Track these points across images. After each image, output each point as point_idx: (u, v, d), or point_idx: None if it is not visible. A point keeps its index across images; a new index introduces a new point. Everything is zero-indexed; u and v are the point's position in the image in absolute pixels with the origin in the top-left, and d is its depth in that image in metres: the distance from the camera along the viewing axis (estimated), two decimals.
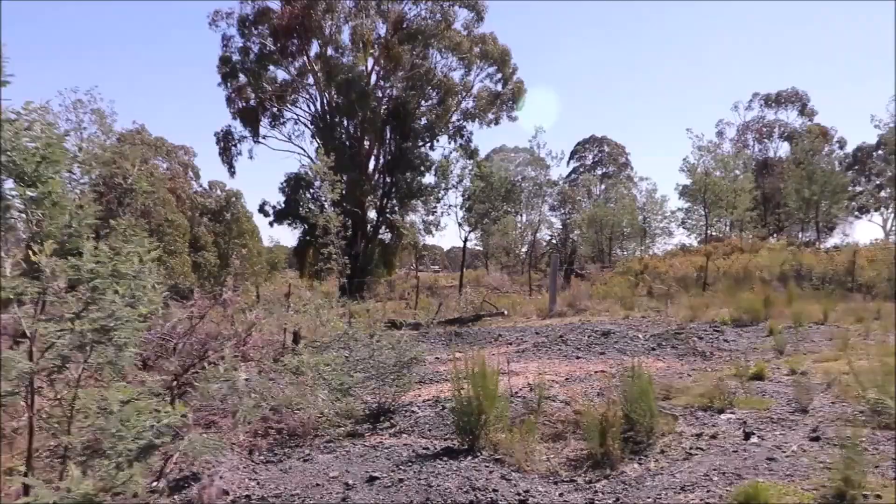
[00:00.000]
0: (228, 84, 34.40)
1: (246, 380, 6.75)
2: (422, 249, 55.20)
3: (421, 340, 13.99)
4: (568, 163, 69.91)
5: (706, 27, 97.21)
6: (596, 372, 8.91)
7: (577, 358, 10.26)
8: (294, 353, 8.28)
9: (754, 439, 5.22)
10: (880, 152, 45.09)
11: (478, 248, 58.82)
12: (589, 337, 12.40)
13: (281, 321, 10.94)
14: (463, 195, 37.01)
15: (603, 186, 63.55)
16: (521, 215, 51.76)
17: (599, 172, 68.93)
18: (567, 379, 8.56)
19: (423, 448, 5.61)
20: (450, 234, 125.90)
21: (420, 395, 8.21)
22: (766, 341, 10.64)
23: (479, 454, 5.33)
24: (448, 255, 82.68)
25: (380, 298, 30.11)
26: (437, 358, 11.78)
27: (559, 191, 57.43)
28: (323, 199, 36.44)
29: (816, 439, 5.11)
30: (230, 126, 35.49)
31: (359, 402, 7.15)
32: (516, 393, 7.42)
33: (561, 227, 57.27)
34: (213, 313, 7.61)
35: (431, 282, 39.89)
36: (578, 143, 70.23)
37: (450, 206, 36.56)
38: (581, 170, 69.84)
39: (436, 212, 37.25)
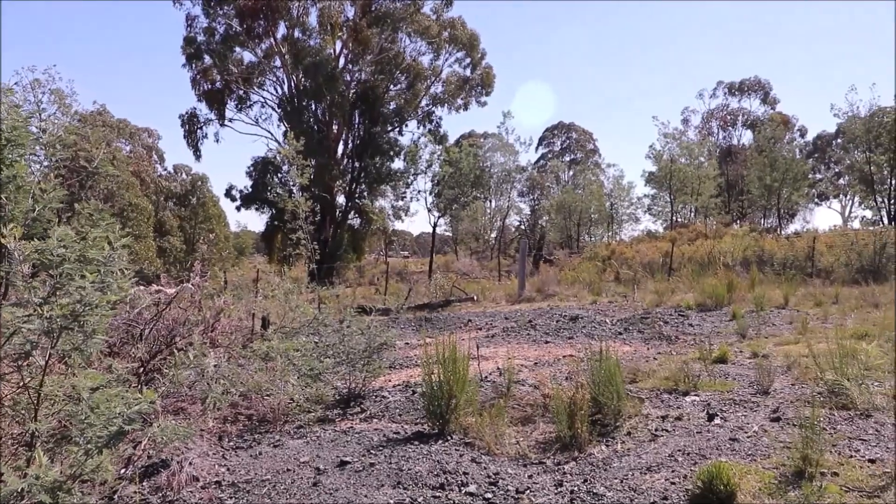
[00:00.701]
0: (193, 65, 33.71)
1: (215, 366, 6.71)
2: (391, 235, 55.10)
3: (391, 326, 14.02)
4: (536, 149, 70.28)
5: (673, 16, 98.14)
6: (564, 356, 9.03)
7: (546, 342, 10.38)
8: (263, 338, 8.25)
9: (717, 420, 5.36)
10: (839, 141, 46.14)
11: (447, 233, 58.93)
12: (557, 322, 12.55)
13: (250, 307, 10.87)
14: (432, 181, 37.01)
15: (571, 173, 64.02)
16: (490, 201, 51.96)
17: (567, 159, 69.41)
18: (536, 363, 8.67)
19: (394, 433, 5.64)
20: (419, 220, 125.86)
21: (390, 380, 8.24)
22: (729, 325, 10.90)
23: (449, 438, 5.38)
24: (417, 240, 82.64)
25: (349, 284, 30.03)
26: (407, 343, 11.81)
27: (528, 177, 57.80)
28: (291, 183, 36.18)
29: (777, 420, 5.27)
30: (195, 108, 34.88)
31: (329, 388, 7.15)
32: (486, 377, 7.49)
33: (530, 212, 57.63)
34: (181, 299, 7.52)
35: (401, 267, 39.87)
36: (547, 130, 70.69)
37: (419, 191, 36.52)
38: (549, 156, 70.25)
39: (405, 197, 37.22)
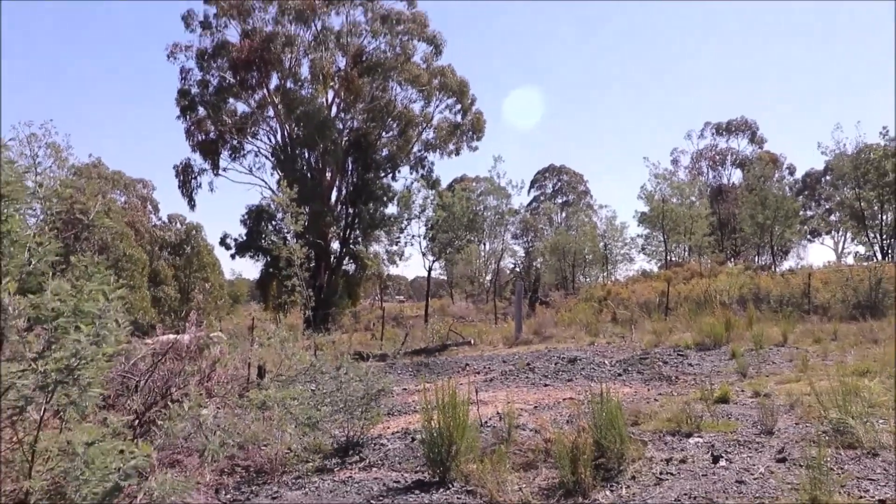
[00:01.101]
0: (187, 117, 34.13)
1: (214, 417, 6.59)
2: (386, 280, 54.99)
3: (388, 371, 13.89)
4: (529, 191, 70.90)
5: (659, 57, 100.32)
6: (564, 399, 8.93)
7: (545, 385, 10.28)
8: (259, 387, 8.14)
9: (723, 462, 5.28)
10: (828, 178, 46.74)
11: (442, 277, 58.91)
12: (556, 364, 12.44)
13: (245, 355, 10.74)
14: (426, 225, 37.16)
15: (564, 214, 64.48)
16: (484, 244, 52.10)
17: (560, 201, 69.99)
18: (536, 407, 8.57)
19: (394, 482, 5.53)
20: (413, 264, 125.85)
21: (389, 427, 8.12)
22: (728, 364, 10.83)
23: (450, 486, 5.27)
24: (412, 284, 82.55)
25: (345, 330, 29.84)
26: (405, 389, 11.68)
27: (521, 219, 58.16)
28: (286, 231, 36.25)
29: (783, 460, 5.19)
30: (189, 159, 35.22)
31: (327, 437, 7.04)
32: (486, 422, 7.39)
33: (524, 255, 57.79)
34: (177, 349, 7.44)
35: (397, 312, 39.70)
36: (538, 172, 71.44)
37: (413, 236, 36.63)
38: (542, 198, 70.85)
39: (399, 242, 37.32)
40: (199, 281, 50.24)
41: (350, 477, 5.89)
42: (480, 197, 47.88)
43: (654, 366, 11.02)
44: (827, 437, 5.66)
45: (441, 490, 5.22)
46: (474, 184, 56.70)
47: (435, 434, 5.44)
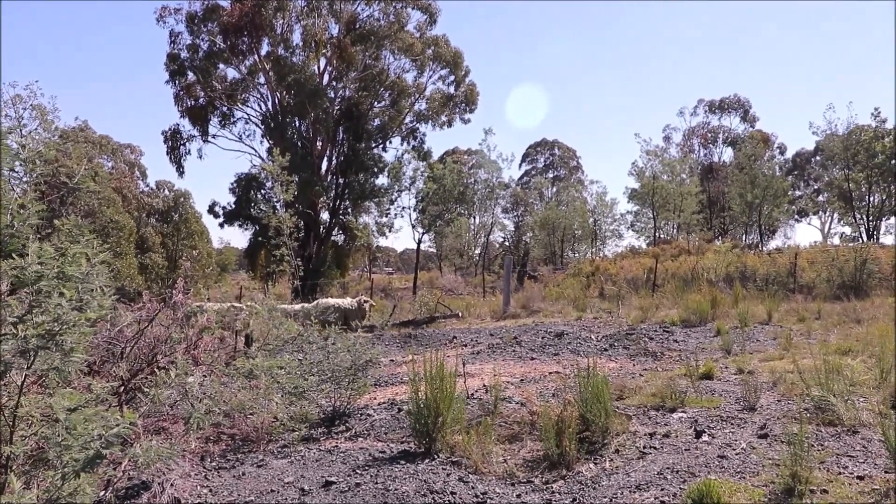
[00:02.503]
0: (177, 82, 33.55)
1: (200, 385, 6.59)
2: (375, 251, 54.91)
3: (375, 343, 13.92)
4: (520, 166, 70.72)
5: (655, 34, 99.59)
6: (550, 373, 8.99)
7: (532, 359, 10.34)
8: (246, 356, 8.14)
9: (705, 437, 5.34)
10: (818, 158, 46.88)
11: (431, 250, 58.86)
12: (543, 338, 12.51)
13: (232, 324, 10.72)
14: (416, 197, 37.00)
15: (555, 189, 64.40)
16: (474, 217, 52.03)
17: (551, 175, 69.82)
18: (522, 380, 8.62)
19: (380, 451, 5.56)
20: (403, 236, 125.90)
21: (376, 398, 8.16)
22: (713, 341, 10.93)
23: (436, 457, 5.31)
24: (401, 256, 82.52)
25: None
26: (392, 360, 11.71)
27: (512, 193, 58.07)
28: (276, 199, 36.02)
29: (765, 436, 5.26)
30: (178, 125, 34.67)
31: (314, 406, 7.06)
32: (472, 395, 7.44)
33: (514, 229, 57.80)
34: (163, 316, 7.40)
35: (385, 283, 39.67)
36: (530, 147, 71.14)
37: (403, 207, 36.50)
38: (533, 172, 70.65)
39: (389, 213, 37.17)
40: (186, 249, 49.99)
41: (336, 446, 5.92)
42: (472, 170, 47.76)
43: (639, 341, 11.11)
44: (808, 414, 5.73)
45: (427, 461, 5.25)
46: (466, 156, 56.47)
47: (421, 405, 5.46)
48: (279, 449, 5.96)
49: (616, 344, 11.20)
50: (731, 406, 6.33)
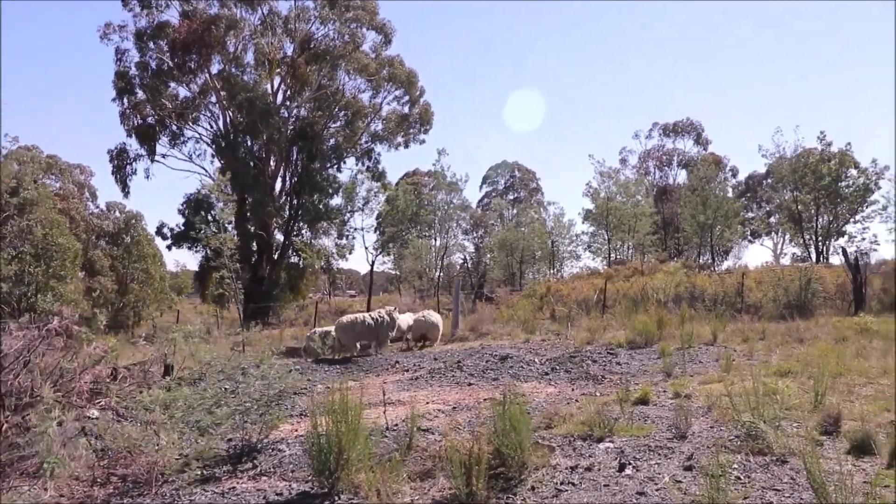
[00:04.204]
0: (124, 100, 32.67)
1: (88, 418, 5.99)
2: (337, 274, 54.01)
3: (314, 369, 13.36)
4: (480, 187, 70.80)
5: (611, 57, 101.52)
6: (485, 399, 8.57)
7: (469, 385, 9.92)
8: (162, 387, 7.56)
9: (629, 470, 4.98)
10: (769, 181, 47.83)
11: (394, 272, 58.19)
12: (486, 362, 12.11)
13: (162, 351, 10.10)
14: (376, 218, 36.52)
15: (515, 211, 64.51)
16: (434, 239, 51.69)
17: (511, 197, 69.99)
18: (454, 408, 8.20)
19: (277, 494, 5.07)
20: (363, 259, 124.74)
21: (297, 430, 7.64)
22: (657, 363, 10.66)
23: (338, 498, 4.84)
24: (364, 279, 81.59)
25: (284, 325, 29.05)
26: (328, 388, 11.13)
27: (471, 215, 57.92)
28: (226, 220, 35.14)
29: (690, 468, 4.93)
30: (125, 143, 33.68)
31: (221, 441, 6.53)
32: (394, 426, 6.96)
33: (474, 250, 57.54)
34: (58, 343, 6.81)
35: (346, 306, 38.91)
36: (491, 168, 71.28)
37: (356, 229, 35.94)
38: (493, 194, 70.74)
39: (348, 235, 36.54)
40: (137, 272, 48.47)
41: (233, 487, 5.40)
42: (433, 191, 47.47)
43: (582, 364, 10.80)
44: (739, 442, 5.43)
45: (327, 503, 4.78)
46: (426, 178, 56.22)
47: (322, 441, 4.98)
48: (172, 492, 5.41)
49: (559, 367, 10.85)
50: (662, 434, 6.00)
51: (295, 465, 5.92)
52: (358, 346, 15.15)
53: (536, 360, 11.95)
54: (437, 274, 50.44)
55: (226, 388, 7.17)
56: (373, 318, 15.35)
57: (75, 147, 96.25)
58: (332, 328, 15.70)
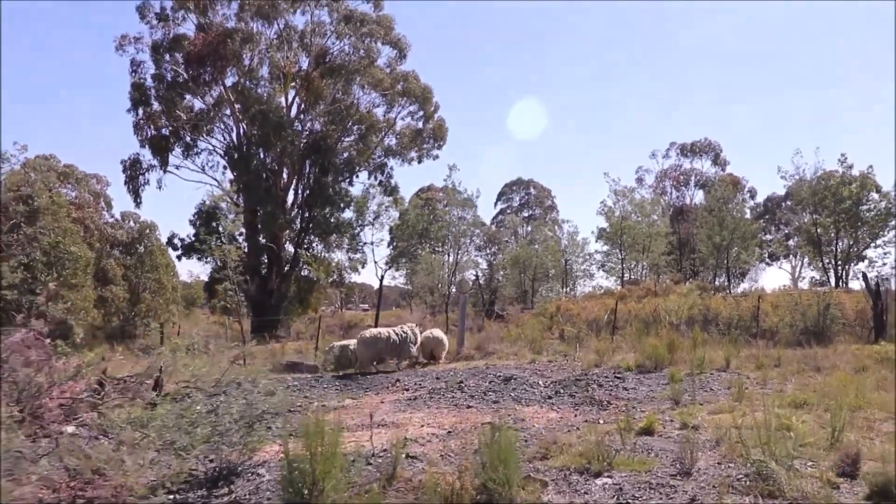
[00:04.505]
0: (139, 111, 32.84)
1: (60, 435, 5.71)
2: (350, 287, 53.75)
3: (313, 385, 13.03)
4: (496, 204, 70.55)
5: (630, 77, 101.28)
6: (483, 424, 8.17)
7: (469, 407, 9.52)
8: (148, 403, 7.27)
9: None
10: (788, 203, 47.06)
11: (406, 286, 57.87)
12: (490, 383, 11.72)
13: (154, 365, 9.82)
14: (390, 233, 36.26)
15: (529, 228, 64.06)
16: (447, 255, 51.36)
17: (526, 214, 69.62)
18: (450, 432, 7.81)
19: None
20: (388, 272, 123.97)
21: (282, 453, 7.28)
22: (665, 389, 10.20)
23: None
24: (378, 293, 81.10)
25: (290, 338, 28.79)
26: (324, 406, 10.80)
27: (485, 231, 57.58)
28: (237, 232, 35.06)
29: None
30: (138, 154, 33.82)
31: (197, 464, 6.21)
32: (383, 451, 6.59)
33: (487, 267, 57.11)
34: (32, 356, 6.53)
35: (358, 320, 38.53)
36: (506, 185, 70.98)
37: (364, 243, 35.69)
38: (508, 211, 70.41)
39: (360, 250, 36.31)
40: (150, 282, 48.55)
41: None
42: (447, 207, 47.23)
43: (588, 388, 10.38)
44: (747, 482, 5.02)
45: None
46: (441, 194, 56.03)
47: (295, 470, 4.64)
48: None
49: (562, 391, 10.43)
50: (666, 469, 5.59)
51: (272, 491, 5.58)
52: (375, 362, 14.95)
53: (541, 382, 11.53)
54: (449, 290, 50.12)
55: (209, 407, 6.86)
56: (396, 334, 15.19)
57: (91, 157, 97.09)
58: (352, 342, 15.46)
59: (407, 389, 11.95)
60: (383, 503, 4.75)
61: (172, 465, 5.95)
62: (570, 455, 6.02)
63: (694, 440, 6.31)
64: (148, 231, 51.02)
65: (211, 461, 6.45)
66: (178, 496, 5.63)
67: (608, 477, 5.40)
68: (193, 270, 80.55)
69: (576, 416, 8.61)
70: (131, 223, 54.84)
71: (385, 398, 11.18)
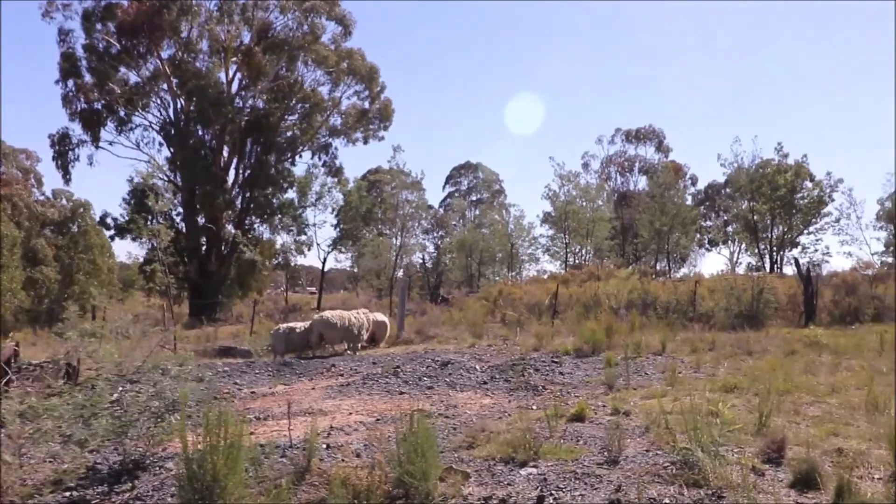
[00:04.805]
0: (69, 83, 31.17)
1: None
2: (296, 270, 52.71)
3: (244, 371, 12.54)
4: (444, 187, 70.24)
5: (577, 61, 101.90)
6: (414, 411, 7.91)
7: (401, 394, 9.26)
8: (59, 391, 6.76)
9: (549, 502, 4.39)
10: (727, 190, 48.23)
11: (354, 269, 57.15)
12: (427, 367, 11.50)
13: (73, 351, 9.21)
14: (335, 215, 35.61)
15: (477, 212, 64.09)
16: (395, 238, 50.88)
17: (474, 198, 69.57)
18: (378, 420, 7.53)
19: None
20: (333, 255, 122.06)
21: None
22: (601, 374, 10.15)
23: None
24: (326, 276, 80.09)
25: (227, 322, 28.00)
26: (253, 392, 10.37)
27: (433, 215, 57.31)
28: (173, 211, 33.80)
29: (617, 502, 4.35)
30: (67, 128, 32.12)
31: (103, 458, 5.78)
32: (304, 441, 6.23)
33: (434, 250, 56.91)
34: None
35: (304, 303, 37.77)
36: (454, 168, 70.70)
37: (312, 224, 34.99)
38: (456, 195, 70.21)
39: (305, 231, 35.55)
40: (84, 263, 46.49)
41: None
42: (394, 190, 46.66)
43: (524, 373, 10.23)
44: (674, 471, 4.89)
45: None
46: (389, 176, 55.41)
47: (193, 467, 4.27)
48: None
49: (498, 376, 10.27)
50: (593, 458, 5.43)
51: (178, 486, 5.19)
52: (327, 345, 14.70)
53: (478, 367, 11.36)
54: (395, 273, 49.72)
55: (114, 396, 6.39)
56: (356, 318, 15.05)
57: (19, 132, 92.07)
58: (299, 325, 15.23)
59: (341, 375, 11.62)
60: (288, 502, 4.42)
61: (68, 461, 5.53)
62: (496, 444, 5.80)
63: (624, 427, 6.19)
64: (82, 210, 48.90)
65: (121, 454, 6.02)
66: (75, 493, 5.21)
67: (533, 467, 5.21)
68: (132, 252, 77.88)
69: (509, 401, 8.44)
70: (64, 201, 52.50)
71: (318, 384, 10.83)
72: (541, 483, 4.80)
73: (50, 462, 5.74)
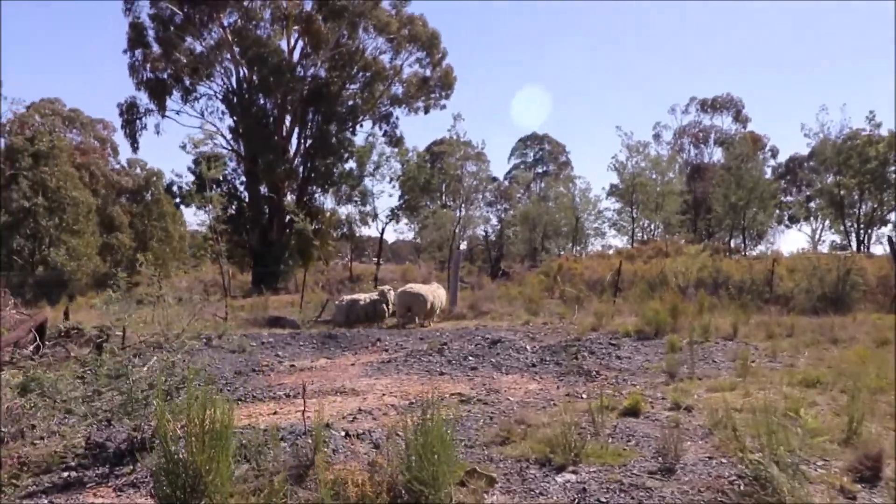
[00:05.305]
0: (135, 52, 31.61)
1: None
2: (360, 241, 52.92)
3: (289, 343, 12.22)
4: (508, 159, 69.03)
5: (649, 31, 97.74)
6: (452, 395, 7.30)
7: (441, 374, 8.64)
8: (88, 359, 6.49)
9: None
10: (811, 163, 45.26)
11: (417, 241, 57.00)
12: (476, 345, 10.88)
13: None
14: (399, 186, 35.23)
15: (542, 184, 62.61)
16: (458, 211, 50.20)
17: (540, 170, 68.09)
18: (412, 403, 6.92)
19: None
20: (399, 227, 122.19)
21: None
22: (663, 359, 9.24)
23: None
24: (392, 247, 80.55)
25: (287, 291, 28.13)
26: (293, 365, 9.98)
27: (498, 187, 56.31)
28: (239, 181, 34.14)
29: None
30: (135, 97, 32.65)
31: (114, 435, 5.41)
32: (327, 425, 5.69)
33: (497, 223, 56.02)
34: None
35: (369, 274, 37.78)
36: (519, 140, 69.24)
37: (372, 194, 34.64)
38: (521, 167, 68.87)
39: (370, 202, 35.30)
40: (157, 230, 47.96)
41: (81, 503, 4.24)
42: (458, 161, 45.86)
43: (578, 356, 9.44)
44: (742, 487, 4.07)
45: None
46: (452, 147, 54.55)
47: (172, 461, 3.74)
48: (16, 501, 4.29)
49: (549, 358, 9.51)
50: (644, 464, 4.65)
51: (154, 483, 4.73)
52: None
53: (529, 347, 10.62)
54: (457, 245, 49.13)
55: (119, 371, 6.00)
56: (428, 291, 15.31)
57: (95, 103, 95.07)
58: (363, 297, 15.78)
59: (385, 350, 11.12)
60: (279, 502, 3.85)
61: (66, 438, 5.17)
62: (533, 441, 5.09)
63: (684, 426, 5.40)
64: (155, 178, 50.38)
65: (134, 430, 5.63)
66: (74, 473, 4.83)
67: (573, 472, 4.48)
68: (203, 220, 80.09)
69: (558, 387, 7.69)
70: (138, 170, 54.20)
71: (360, 359, 10.36)
72: (579, 494, 4.08)
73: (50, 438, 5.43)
